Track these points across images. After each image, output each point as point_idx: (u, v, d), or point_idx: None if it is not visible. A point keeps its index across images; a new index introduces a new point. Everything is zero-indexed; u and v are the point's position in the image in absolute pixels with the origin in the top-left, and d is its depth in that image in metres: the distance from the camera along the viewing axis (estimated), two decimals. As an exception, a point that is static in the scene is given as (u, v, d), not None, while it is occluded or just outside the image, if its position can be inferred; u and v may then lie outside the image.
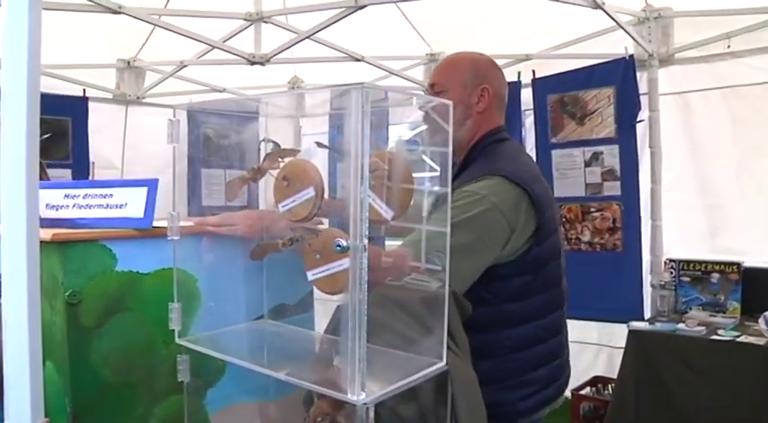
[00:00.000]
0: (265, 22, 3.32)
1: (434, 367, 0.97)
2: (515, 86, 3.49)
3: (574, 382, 3.33)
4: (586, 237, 3.40)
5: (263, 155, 1.19)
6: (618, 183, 3.30)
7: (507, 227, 1.34)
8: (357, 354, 0.82)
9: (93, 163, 4.00)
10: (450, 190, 1.02)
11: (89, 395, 1.10)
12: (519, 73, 3.60)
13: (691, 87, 3.31)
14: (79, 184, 1.34)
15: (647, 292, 3.27)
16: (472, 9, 3.39)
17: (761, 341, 2.55)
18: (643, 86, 3.27)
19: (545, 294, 1.46)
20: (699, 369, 2.63)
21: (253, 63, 3.50)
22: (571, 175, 3.44)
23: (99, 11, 2.85)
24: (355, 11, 2.92)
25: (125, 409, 1.15)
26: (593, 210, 3.38)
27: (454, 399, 1.03)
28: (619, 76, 3.24)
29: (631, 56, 3.22)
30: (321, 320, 1.28)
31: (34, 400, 0.83)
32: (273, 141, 1.19)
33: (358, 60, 3.85)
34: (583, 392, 3.34)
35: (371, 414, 0.84)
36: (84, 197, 1.24)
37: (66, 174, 3.86)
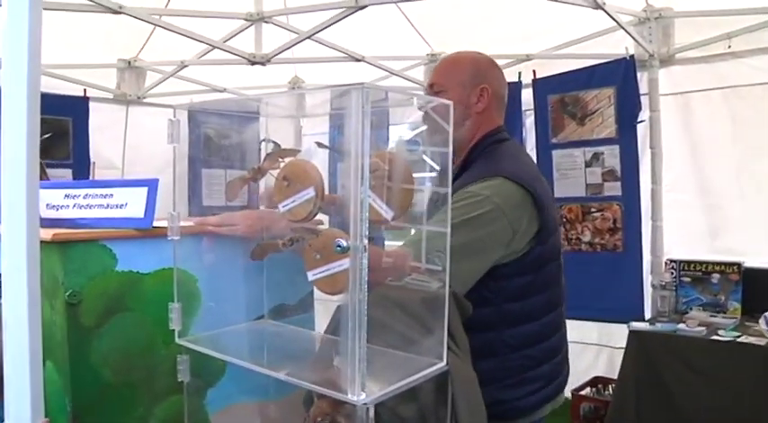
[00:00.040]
0: (266, 22, 3.32)
1: (434, 367, 0.97)
2: (516, 87, 3.49)
3: (574, 382, 3.34)
4: (587, 237, 3.40)
5: (263, 155, 1.19)
6: (618, 183, 3.30)
7: (510, 228, 1.34)
8: (357, 354, 0.82)
9: (94, 163, 4.00)
10: (450, 190, 1.02)
11: (89, 395, 1.11)
12: (519, 73, 3.60)
13: (691, 88, 3.31)
14: (79, 184, 1.34)
15: (648, 292, 3.27)
16: (473, 9, 3.39)
17: (761, 341, 2.55)
18: (644, 87, 3.27)
19: (545, 294, 1.46)
20: (699, 369, 2.63)
21: (253, 63, 3.50)
22: (572, 176, 3.44)
23: (99, 11, 2.85)
24: (356, 11, 2.92)
25: (125, 409, 1.15)
26: (593, 210, 3.38)
27: (454, 399, 1.02)
28: (619, 77, 3.25)
29: (632, 56, 3.22)
30: (321, 320, 1.28)
31: (34, 400, 0.83)
32: (274, 141, 1.19)
33: (358, 60, 3.85)
34: (583, 393, 3.34)
35: (371, 414, 0.84)
36: (84, 197, 1.24)
37: (67, 174, 3.86)
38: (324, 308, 1.28)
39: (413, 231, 1.10)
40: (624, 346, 2.87)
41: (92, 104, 4.05)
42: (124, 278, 1.15)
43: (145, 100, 4.40)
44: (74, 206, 1.24)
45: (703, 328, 2.74)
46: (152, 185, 1.19)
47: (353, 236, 0.82)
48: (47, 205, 1.24)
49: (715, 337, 2.67)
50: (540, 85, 3.55)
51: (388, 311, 1.04)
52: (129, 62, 4.19)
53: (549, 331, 1.48)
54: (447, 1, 3.30)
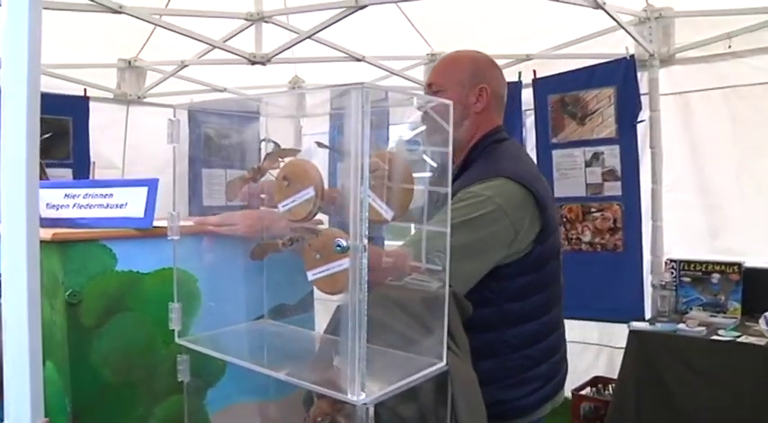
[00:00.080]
0: (266, 21, 3.32)
1: (434, 367, 0.97)
2: (516, 86, 3.49)
3: (574, 382, 3.34)
4: (587, 237, 3.40)
5: (263, 155, 1.19)
6: (618, 183, 3.30)
7: (512, 228, 1.34)
8: (357, 354, 0.82)
9: (94, 163, 3.99)
10: (450, 190, 1.02)
11: (89, 395, 1.11)
12: (520, 73, 3.60)
13: (691, 87, 3.31)
14: (79, 183, 1.34)
15: (648, 292, 3.27)
16: (473, 9, 3.39)
17: (761, 341, 2.55)
18: (644, 86, 3.27)
19: (545, 293, 1.46)
20: (699, 369, 2.63)
21: (253, 63, 3.50)
22: (572, 176, 3.44)
23: (100, 10, 2.85)
24: (356, 11, 2.92)
25: (125, 409, 1.15)
26: (593, 210, 3.38)
27: (454, 399, 1.02)
28: (619, 77, 3.24)
29: (632, 56, 3.22)
30: (321, 320, 1.28)
31: (34, 400, 0.83)
32: (274, 141, 1.19)
33: (359, 60, 3.85)
34: (583, 393, 3.34)
35: (371, 414, 0.84)
36: (84, 197, 1.24)
37: (67, 173, 3.86)
38: (324, 308, 1.28)
39: (413, 231, 1.10)
40: (624, 345, 2.87)
41: (92, 104, 4.05)
42: (124, 278, 1.15)
43: (145, 100, 4.40)
44: (74, 206, 1.24)
45: (703, 328, 2.74)
46: (152, 185, 1.19)
47: (353, 236, 0.82)
48: (47, 205, 1.24)
49: (715, 337, 2.67)
50: (540, 85, 3.55)
51: (388, 311, 1.04)
52: (130, 62, 4.19)
53: (547, 330, 1.48)
54: (447, 1, 3.30)
